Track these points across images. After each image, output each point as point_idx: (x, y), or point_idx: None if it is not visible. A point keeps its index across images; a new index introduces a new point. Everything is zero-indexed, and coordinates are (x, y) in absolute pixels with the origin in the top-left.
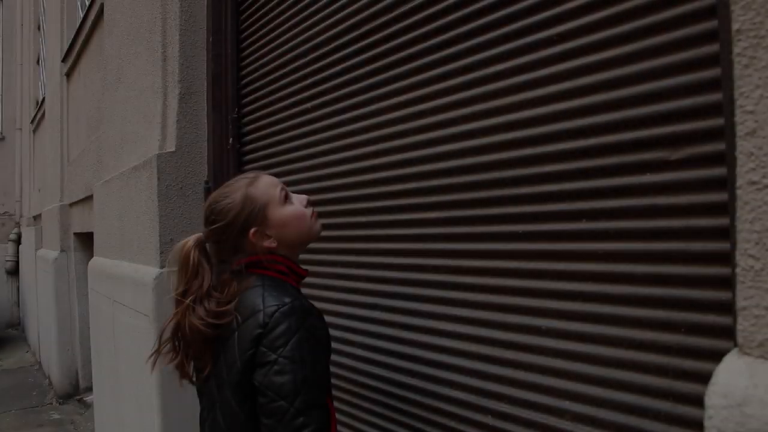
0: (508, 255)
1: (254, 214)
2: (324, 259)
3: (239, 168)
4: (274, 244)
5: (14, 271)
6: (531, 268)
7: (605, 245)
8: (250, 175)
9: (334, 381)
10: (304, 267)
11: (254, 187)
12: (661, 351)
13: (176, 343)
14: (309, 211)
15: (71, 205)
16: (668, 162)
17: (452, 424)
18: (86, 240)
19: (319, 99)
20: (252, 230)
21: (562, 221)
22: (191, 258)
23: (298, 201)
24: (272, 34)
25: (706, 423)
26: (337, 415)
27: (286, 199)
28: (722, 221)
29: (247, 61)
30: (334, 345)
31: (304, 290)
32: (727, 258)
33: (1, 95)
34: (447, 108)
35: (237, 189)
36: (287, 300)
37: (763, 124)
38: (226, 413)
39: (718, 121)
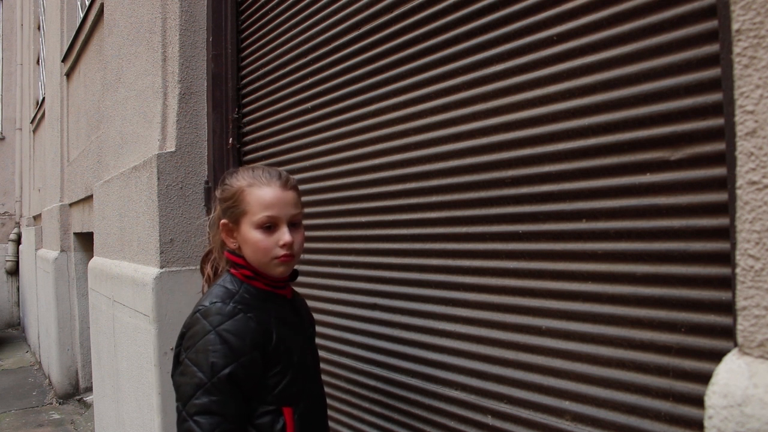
0: (508, 255)
1: (231, 211)
2: (324, 260)
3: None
4: (234, 246)
5: (14, 271)
6: (531, 268)
7: (605, 245)
8: (264, 179)
9: (334, 381)
10: (300, 269)
11: (250, 190)
12: (661, 351)
13: None
14: (278, 252)
15: (71, 205)
16: (668, 162)
17: (452, 424)
18: (86, 240)
19: (319, 99)
20: (223, 221)
21: (562, 221)
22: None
23: (277, 238)
24: (272, 34)
25: (706, 423)
26: (338, 416)
27: (265, 225)
28: (722, 221)
29: (247, 61)
30: (333, 345)
31: (303, 290)
32: (727, 258)
33: (1, 95)
34: (447, 108)
35: (243, 180)
36: (212, 302)
37: (763, 124)
38: None
39: (718, 121)
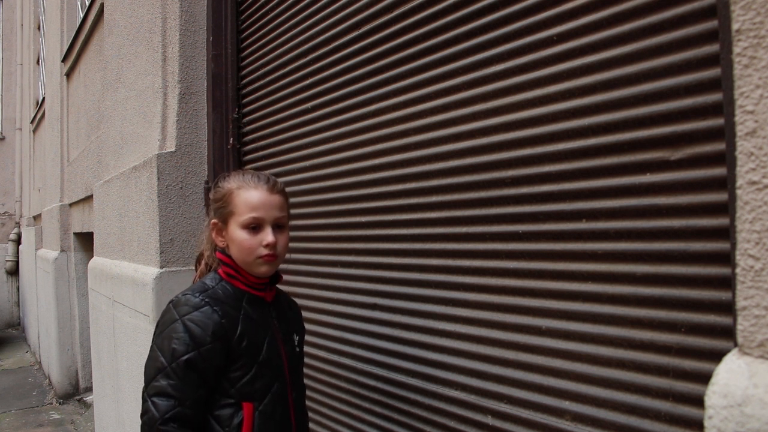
0: (508, 255)
1: (220, 211)
2: (324, 260)
3: (239, 168)
4: (223, 244)
5: (14, 271)
6: (531, 268)
7: (605, 245)
8: (252, 183)
9: (334, 381)
10: (285, 271)
11: (238, 192)
12: (661, 351)
13: None
14: (261, 251)
15: (71, 205)
16: (668, 162)
17: (452, 424)
18: (86, 240)
19: (319, 99)
20: (213, 220)
21: (562, 221)
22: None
23: (261, 238)
24: (272, 34)
25: (706, 423)
26: (338, 415)
27: (251, 226)
28: (722, 221)
29: (247, 61)
30: (333, 345)
31: (303, 290)
32: (727, 258)
33: (1, 95)
34: (447, 108)
35: (233, 183)
36: (184, 293)
37: (763, 124)
38: None
39: (718, 121)
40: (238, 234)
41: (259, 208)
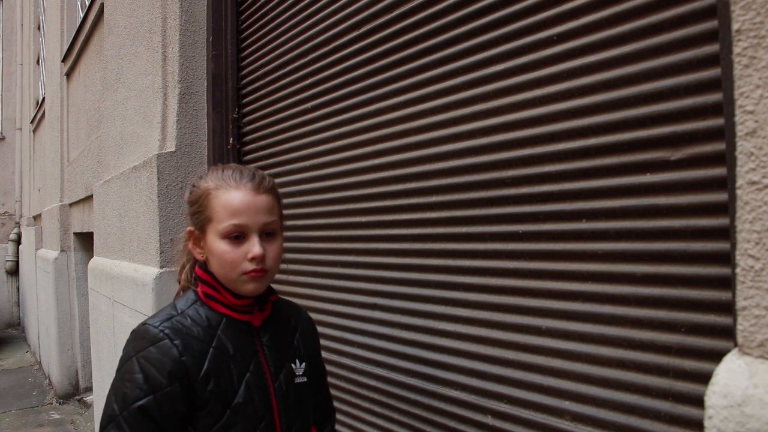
0: (508, 255)
1: (197, 217)
2: (324, 260)
3: None
4: (202, 257)
5: (14, 271)
6: (531, 268)
7: (605, 245)
8: (232, 182)
9: (334, 381)
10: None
11: (216, 194)
12: (661, 351)
13: None
14: (246, 266)
15: (71, 205)
16: (668, 162)
17: (452, 424)
18: (86, 240)
19: (319, 99)
20: (189, 228)
21: (562, 221)
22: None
23: (245, 250)
24: (272, 34)
25: (706, 423)
26: (338, 416)
27: (232, 235)
28: (722, 221)
29: (247, 61)
30: (333, 345)
31: (303, 290)
32: (727, 258)
33: (1, 95)
34: (447, 108)
35: (210, 182)
36: (146, 322)
37: (763, 124)
38: None
39: (718, 121)
40: (217, 245)
41: (241, 212)
